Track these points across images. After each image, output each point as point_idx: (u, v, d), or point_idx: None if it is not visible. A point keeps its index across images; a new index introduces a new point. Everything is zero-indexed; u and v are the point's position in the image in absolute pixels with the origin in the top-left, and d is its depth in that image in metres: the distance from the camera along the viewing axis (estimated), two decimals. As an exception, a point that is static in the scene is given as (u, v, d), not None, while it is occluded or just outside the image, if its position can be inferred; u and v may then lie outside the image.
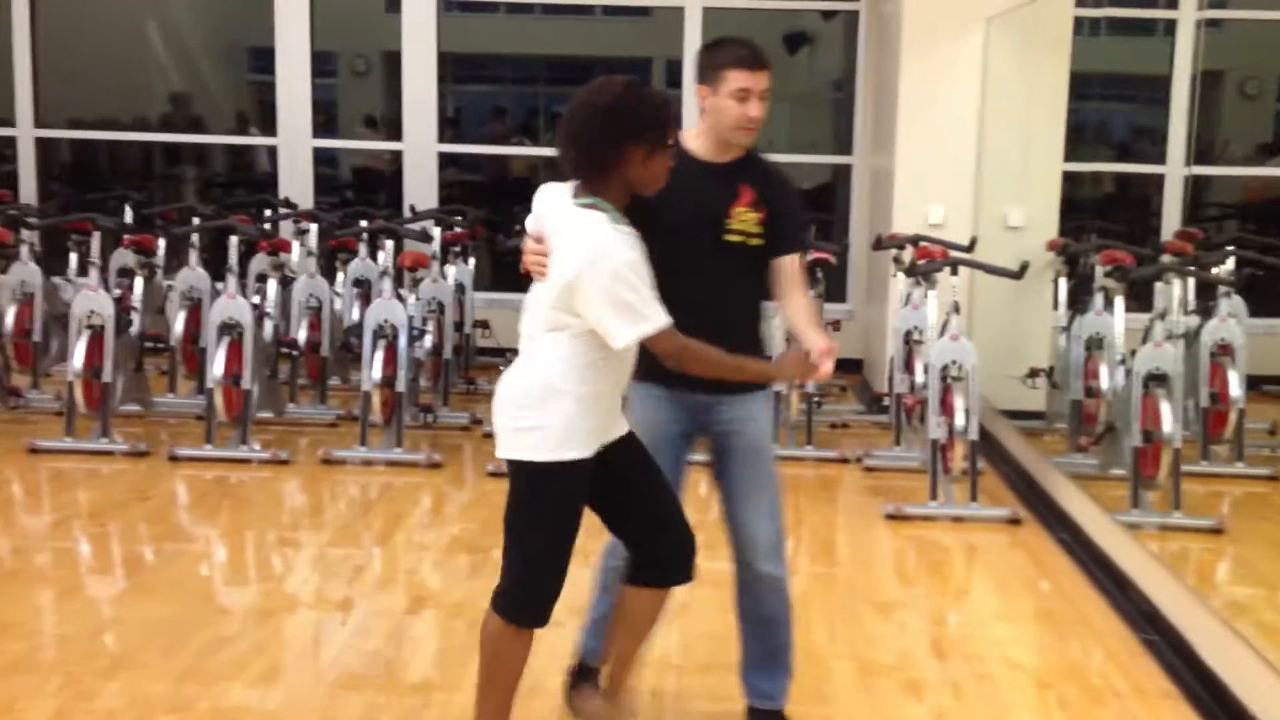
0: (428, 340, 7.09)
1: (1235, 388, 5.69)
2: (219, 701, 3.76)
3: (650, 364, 3.10)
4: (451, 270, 7.80)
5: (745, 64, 3.26)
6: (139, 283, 7.19)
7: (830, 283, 7.36)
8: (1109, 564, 5.02)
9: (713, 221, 3.27)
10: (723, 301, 3.28)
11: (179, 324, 7.25)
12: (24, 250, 7.27)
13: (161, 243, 7.59)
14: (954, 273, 6.10)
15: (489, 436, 6.93)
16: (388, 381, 6.42)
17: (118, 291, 7.03)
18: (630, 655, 3.41)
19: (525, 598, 3.17)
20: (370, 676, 3.99)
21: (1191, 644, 4.16)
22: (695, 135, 3.34)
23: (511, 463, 3.12)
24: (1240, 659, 3.82)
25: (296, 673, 4.06)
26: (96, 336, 6.45)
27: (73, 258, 7.21)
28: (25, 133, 9.33)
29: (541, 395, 3.05)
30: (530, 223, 3.16)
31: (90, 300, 6.49)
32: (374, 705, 3.77)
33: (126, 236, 7.31)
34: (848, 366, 8.72)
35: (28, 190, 9.28)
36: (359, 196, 9.92)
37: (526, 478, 3.09)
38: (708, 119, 3.32)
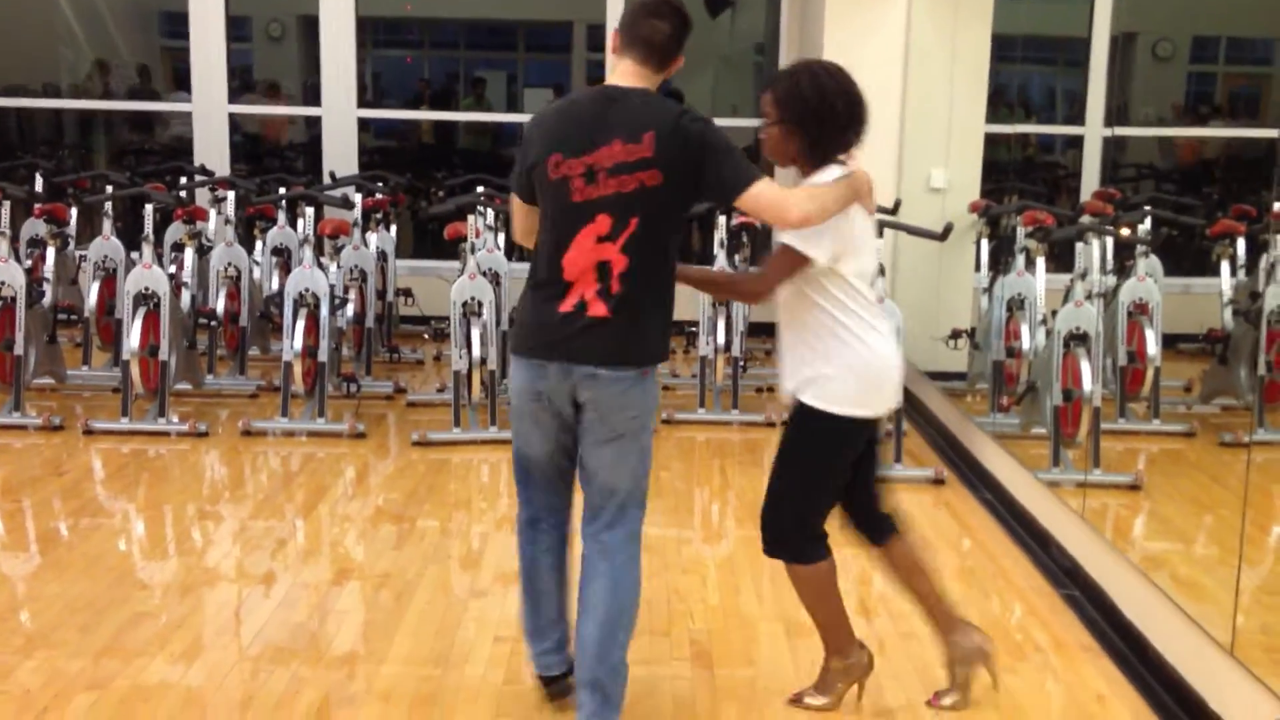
0: (350, 309, 7.01)
1: (1152, 346, 5.77)
2: (139, 678, 3.69)
3: None
4: (373, 238, 7.71)
5: None
6: (51, 253, 7.03)
7: (755, 247, 7.37)
8: (1030, 521, 5.09)
9: None
10: None
11: (93, 295, 7.09)
12: (-71, 221, 7.07)
13: (73, 212, 7.42)
14: (879, 235, 6.11)
15: (413, 406, 6.90)
16: (310, 351, 6.33)
17: (29, 262, 6.87)
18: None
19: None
20: (294, 649, 3.94)
21: (1111, 598, 4.23)
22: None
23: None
24: (1158, 612, 3.89)
25: (218, 647, 3.99)
26: (7, 308, 6.29)
27: (-20, 228, 7.02)
28: (-71, 100, 9.07)
29: None
30: None
31: (1, 271, 6.32)
32: (298, 678, 3.72)
33: (37, 206, 7.14)
34: (772, 330, 8.74)
35: (-67, 160, 9.02)
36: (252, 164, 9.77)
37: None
38: None
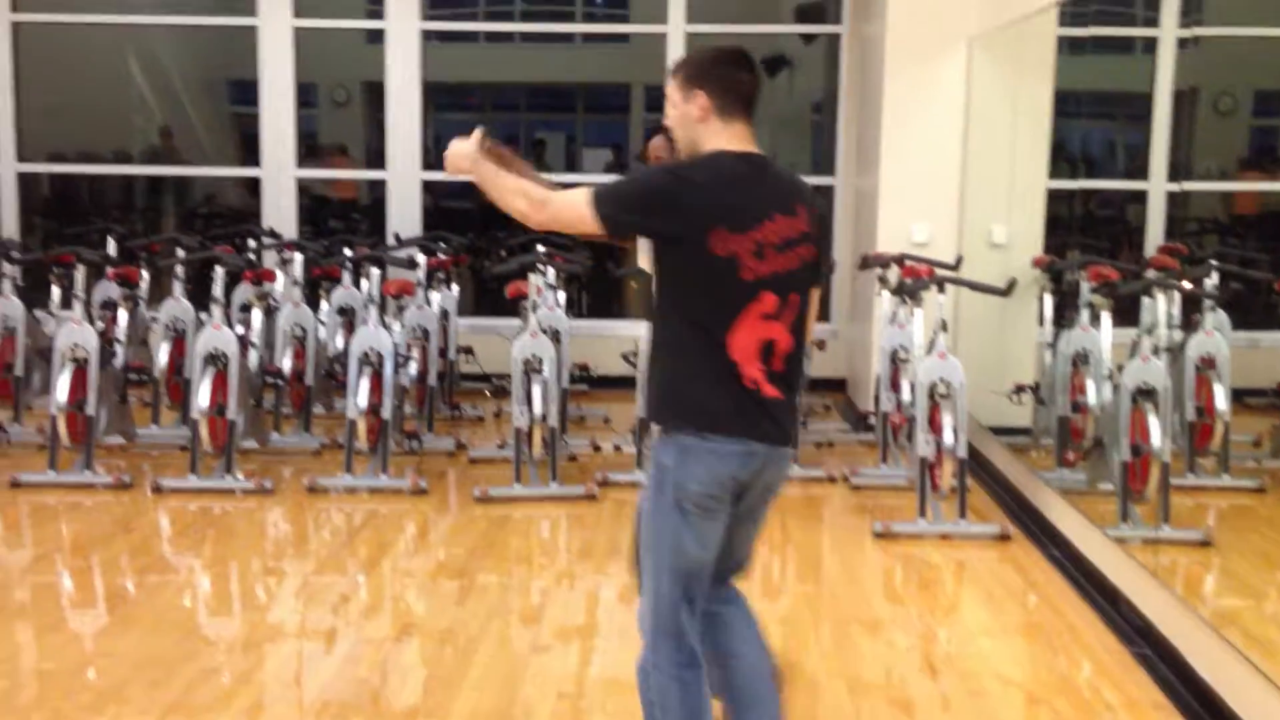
0: (413, 367, 7.08)
1: (1220, 401, 5.68)
2: (204, 733, 3.72)
3: None
4: (436, 297, 7.80)
5: None
6: (123, 315, 7.16)
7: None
8: (1099, 578, 5.01)
9: None
10: None
11: (163, 355, 7.21)
12: (6, 284, 7.25)
13: (145, 274, 7.57)
14: (941, 291, 6.11)
15: (475, 462, 6.94)
16: (373, 409, 6.39)
17: (101, 324, 7.00)
18: None
19: None
20: (358, 705, 3.95)
21: (1183, 656, 4.14)
22: None
23: None
24: (1232, 670, 3.81)
25: (283, 703, 4.01)
26: (80, 369, 6.41)
27: (55, 291, 7.18)
28: (7, 167, 9.30)
29: None
30: None
31: (74, 333, 6.45)
32: (361, 734, 3.74)
33: (110, 269, 7.28)
34: (832, 385, 8.72)
35: (9, 224, 9.25)
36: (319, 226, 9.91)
37: None
38: None
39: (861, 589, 5.23)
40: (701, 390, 2.94)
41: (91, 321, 6.69)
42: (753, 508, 3.08)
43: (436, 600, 4.92)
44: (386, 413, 6.41)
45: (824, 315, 8.90)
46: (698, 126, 2.99)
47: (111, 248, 8.01)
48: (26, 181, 9.54)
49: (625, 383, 7.01)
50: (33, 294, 7.44)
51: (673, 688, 3.00)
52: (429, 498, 6.31)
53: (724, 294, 2.90)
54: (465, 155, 3.13)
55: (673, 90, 3.03)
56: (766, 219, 2.91)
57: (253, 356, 6.86)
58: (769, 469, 3.01)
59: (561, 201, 2.98)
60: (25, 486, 6.32)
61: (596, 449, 7.19)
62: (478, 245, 9.34)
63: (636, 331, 6.81)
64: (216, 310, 6.48)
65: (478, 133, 3.17)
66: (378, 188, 9.54)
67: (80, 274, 6.71)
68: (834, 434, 7.69)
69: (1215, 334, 5.82)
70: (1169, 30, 6.08)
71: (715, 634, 3.16)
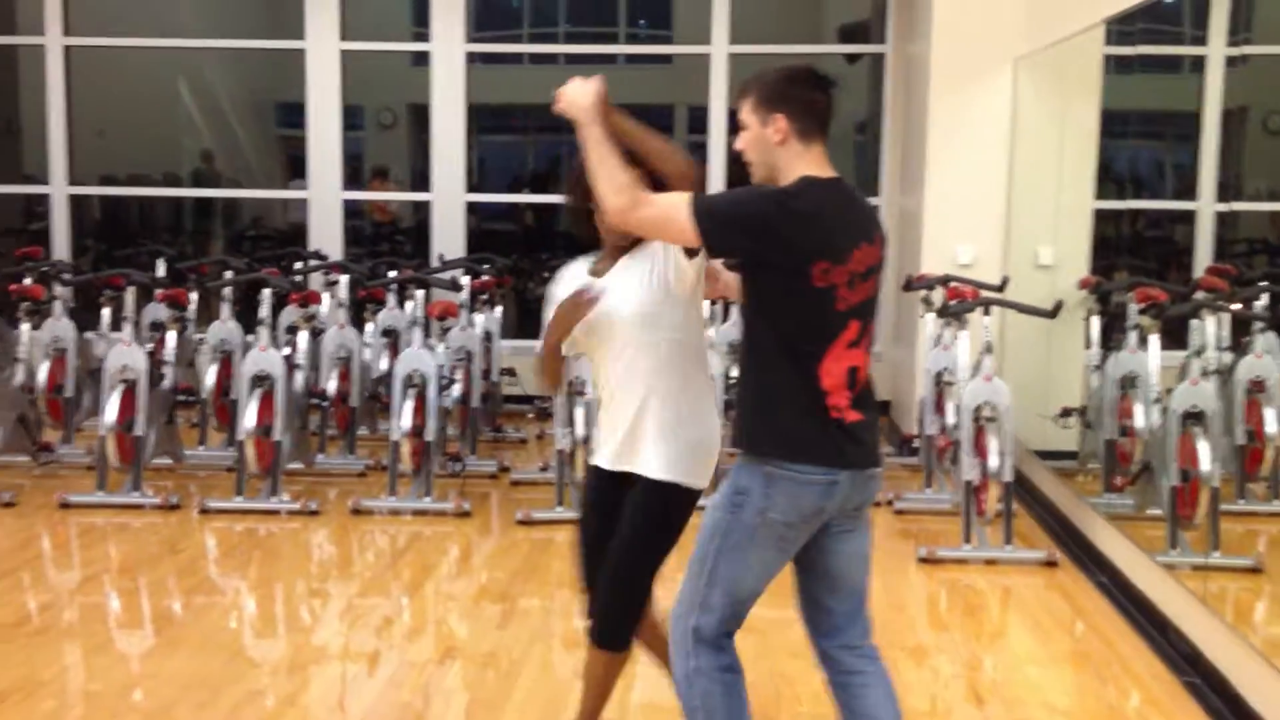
0: (456, 389, 7.10)
1: (1271, 424, 5.60)
2: (248, 756, 3.74)
3: None
4: (479, 318, 7.83)
5: None
6: (171, 336, 7.24)
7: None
8: (1148, 606, 4.95)
9: None
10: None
11: (210, 376, 7.28)
12: (57, 306, 7.34)
13: (193, 296, 7.65)
14: (986, 313, 6.07)
15: (517, 484, 6.95)
16: (417, 431, 6.42)
17: (150, 345, 7.07)
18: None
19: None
20: (400, 729, 3.96)
21: (1234, 686, 4.08)
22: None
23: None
24: (1284, 702, 3.75)
25: (326, 726, 4.03)
26: (129, 390, 6.48)
27: (105, 312, 7.27)
28: (59, 190, 9.44)
29: None
30: None
31: (124, 355, 6.53)
32: (404, 758, 3.74)
33: (159, 291, 7.37)
34: (885, 408, 8.67)
35: (60, 247, 9.38)
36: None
37: None
38: None
39: (906, 615, 5.19)
40: (789, 418, 2.91)
41: (140, 343, 6.77)
42: (856, 524, 3.04)
43: (479, 623, 4.93)
44: (430, 435, 6.44)
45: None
46: (776, 150, 2.94)
47: (161, 270, 8.11)
48: (78, 204, 9.68)
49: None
50: (83, 315, 7.54)
51: (716, 690, 3.03)
52: (472, 520, 6.32)
53: (820, 324, 2.88)
54: (584, 105, 2.99)
55: (746, 114, 2.97)
56: (857, 249, 2.88)
57: (299, 378, 6.91)
58: (856, 493, 2.98)
59: (656, 209, 2.87)
60: (74, 507, 6.39)
61: (639, 471, 7.17)
62: (521, 266, 9.39)
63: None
64: (263, 332, 6.54)
65: (599, 82, 3.01)
66: (422, 209, 9.61)
67: (130, 296, 6.80)
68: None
69: (1266, 356, 5.74)
70: (1217, 49, 6.03)
71: (853, 698, 3.10)
